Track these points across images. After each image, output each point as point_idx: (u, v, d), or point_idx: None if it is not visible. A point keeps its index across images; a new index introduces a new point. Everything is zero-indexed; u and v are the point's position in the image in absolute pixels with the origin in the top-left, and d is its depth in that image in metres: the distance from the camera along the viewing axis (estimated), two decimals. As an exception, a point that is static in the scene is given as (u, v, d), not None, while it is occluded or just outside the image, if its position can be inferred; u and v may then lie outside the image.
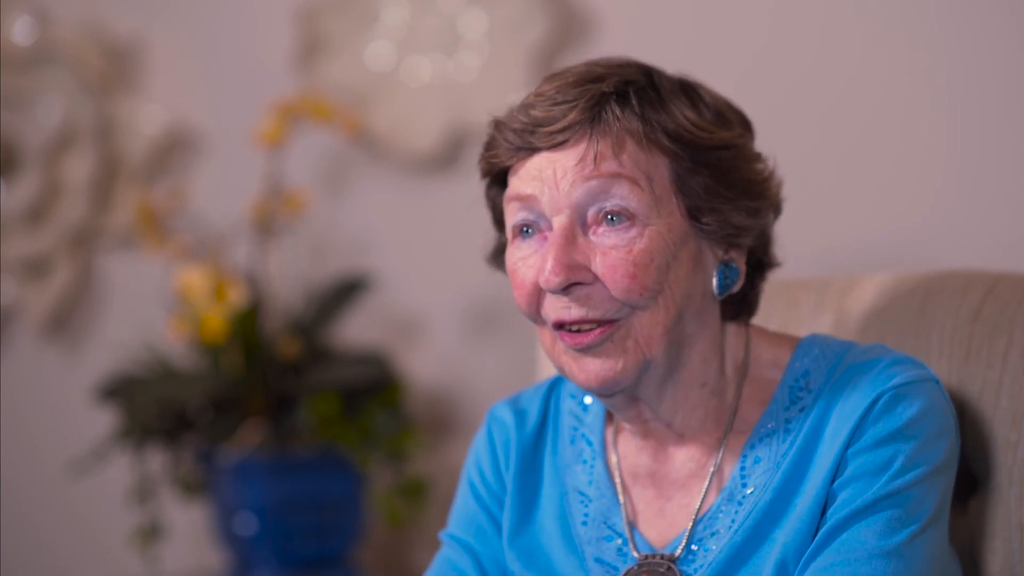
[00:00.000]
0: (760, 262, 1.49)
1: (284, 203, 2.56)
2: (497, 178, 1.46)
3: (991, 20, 2.08)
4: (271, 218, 2.57)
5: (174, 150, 2.87)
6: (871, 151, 2.17)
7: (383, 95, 2.65)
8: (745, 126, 1.46)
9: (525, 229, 1.41)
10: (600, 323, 1.38)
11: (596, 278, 1.37)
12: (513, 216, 1.42)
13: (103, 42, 2.88)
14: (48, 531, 3.01)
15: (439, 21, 2.60)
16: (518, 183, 1.41)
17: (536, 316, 1.42)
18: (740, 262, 1.44)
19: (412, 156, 2.62)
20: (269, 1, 2.76)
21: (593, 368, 1.39)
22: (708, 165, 1.39)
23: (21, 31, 2.91)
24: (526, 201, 1.40)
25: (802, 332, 1.61)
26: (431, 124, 2.60)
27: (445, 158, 2.62)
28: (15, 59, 2.90)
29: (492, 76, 2.55)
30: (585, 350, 1.39)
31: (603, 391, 1.41)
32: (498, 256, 1.50)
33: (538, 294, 1.40)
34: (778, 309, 1.69)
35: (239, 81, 2.80)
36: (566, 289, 1.37)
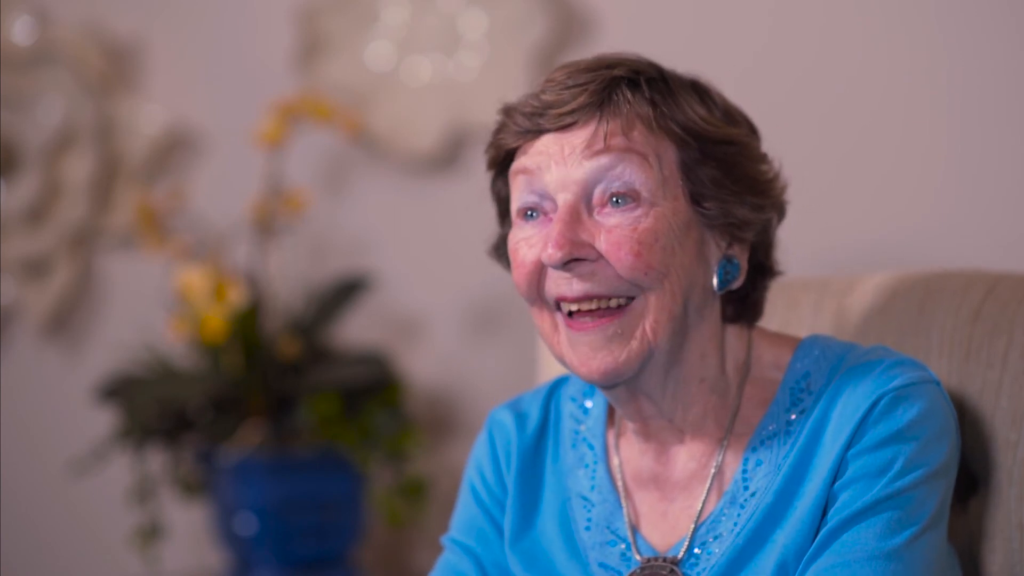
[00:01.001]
0: (762, 265, 1.49)
1: (284, 203, 2.56)
2: (503, 168, 1.46)
3: (991, 20, 2.08)
4: (271, 218, 2.57)
5: (174, 150, 2.87)
6: (871, 151, 2.18)
7: (383, 95, 2.65)
8: (752, 131, 1.46)
9: (529, 212, 1.41)
10: (604, 310, 1.38)
11: (600, 255, 1.37)
12: (519, 192, 1.41)
13: (103, 42, 2.88)
14: (48, 531, 3.01)
15: (439, 21, 2.61)
16: (525, 159, 1.40)
17: (536, 297, 1.41)
18: (742, 258, 1.44)
19: (412, 156, 2.62)
20: (269, 1, 2.76)
21: (596, 360, 1.38)
22: (715, 158, 1.39)
23: (21, 31, 2.91)
24: (532, 175, 1.39)
25: (802, 332, 1.61)
26: (431, 124, 2.60)
27: (445, 158, 2.62)
28: (15, 59, 2.90)
29: (492, 76, 2.55)
30: (591, 343, 1.38)
31: (605, 383, 1.40)
32: (500, 248, 1.50)
33: (539, 273, 1.40)
34: (778, 309, 1.69)
35: (239, 81, 2.80)
36: (568, 265, 1.37)
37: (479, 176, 2.69)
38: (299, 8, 2.69)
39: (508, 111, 1.44)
